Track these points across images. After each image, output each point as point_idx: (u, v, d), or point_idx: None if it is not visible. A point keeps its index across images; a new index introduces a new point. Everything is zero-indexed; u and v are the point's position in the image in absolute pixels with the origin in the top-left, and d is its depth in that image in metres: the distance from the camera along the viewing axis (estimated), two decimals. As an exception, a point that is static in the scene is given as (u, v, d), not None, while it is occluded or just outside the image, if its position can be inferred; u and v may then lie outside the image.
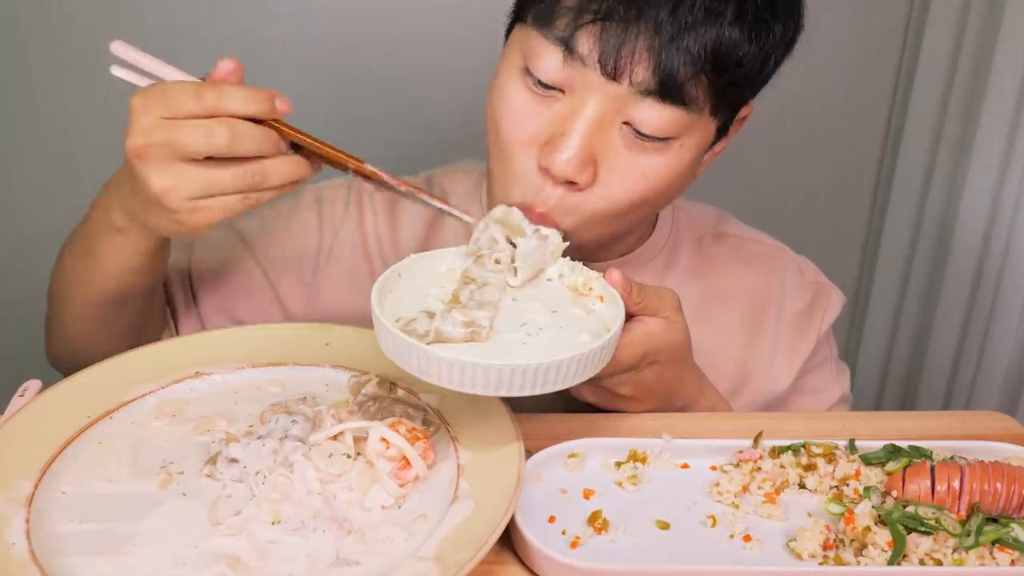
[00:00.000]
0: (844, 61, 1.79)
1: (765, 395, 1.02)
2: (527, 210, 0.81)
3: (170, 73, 0.77)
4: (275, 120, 0.75)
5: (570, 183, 0.80)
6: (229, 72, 0.75)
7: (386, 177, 0.78)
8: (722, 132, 0.87)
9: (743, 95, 0.85)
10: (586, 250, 0.87)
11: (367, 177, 0.79)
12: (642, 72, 0.77)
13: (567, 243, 0.81)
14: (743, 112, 0.88)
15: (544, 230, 0.80)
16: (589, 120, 0.79)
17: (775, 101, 1.99)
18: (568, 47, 0.77)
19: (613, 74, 0.77)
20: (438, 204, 0.80)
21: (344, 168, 0.79)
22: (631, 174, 0.81)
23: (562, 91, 0.80)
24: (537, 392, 0.68)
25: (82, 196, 1.95)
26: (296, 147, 0.77)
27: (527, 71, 0.80)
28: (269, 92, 0.74)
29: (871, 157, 1.90)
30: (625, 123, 0.79)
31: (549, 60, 0.79)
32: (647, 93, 0.77)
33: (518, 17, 0.84)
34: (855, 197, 1.94)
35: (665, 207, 0.87)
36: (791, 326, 1.03)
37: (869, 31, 1.78)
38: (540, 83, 0.80)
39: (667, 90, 0.77)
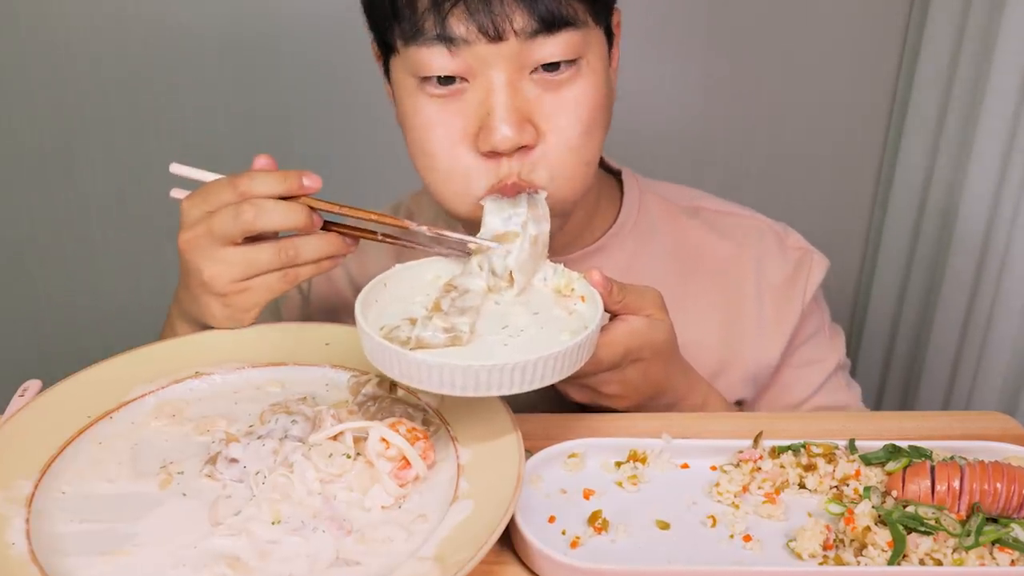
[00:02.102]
0: (844, 61, 1.79)
1: (755, 367, 1.02)
2: (500, 190, 0.83)
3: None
4: (306, 197, 0.82)
5: (520, 148, 0.82)
6: (263, 166, 0.84)
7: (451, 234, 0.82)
8: (609, 41, 0.89)
9: None
10: (570, 225, 0.91)
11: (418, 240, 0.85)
12: (521, 19, 0.79)
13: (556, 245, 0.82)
14: (616, 18, 0.91)
15: (532, 228, 0.80)
16: (503, 88, 0.81)
17: (775, 101, 2.00)
18: (447, 38, 0.80)
19: (497, 36, 0.79)
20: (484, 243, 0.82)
21: (375, 236, 0.86)
22: (565, 108, 0.83)
23: (464, 79, 0.82)
24: (516, 391, 0.68)
25: (82, 196, 1.97)
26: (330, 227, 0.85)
27: (423, 82, 0.83)
28: (298, 172, 0.81)
29: (871, 157, 1.90)
30: (533, 71, 0.82)
31: (438, 60, 0.81)
32: (535, 33, 0.80)
33: (389, 52, 0.87)
34: (855, 197, 1.94)
35: (607, 131, 0.92)
36: (774, 296, 1.03)
37: (869, 31, 1.78)
38: (440, 81, 0.82)
39: (549, 21, 0.80)
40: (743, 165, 1.86)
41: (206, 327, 0.88)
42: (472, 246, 0.81)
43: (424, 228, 0.82)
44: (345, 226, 0.84)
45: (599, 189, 1.01)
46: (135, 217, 1.87)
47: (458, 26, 0.79)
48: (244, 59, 1.76)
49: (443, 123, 0.83)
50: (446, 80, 0.82)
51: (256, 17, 1.73)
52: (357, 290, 0.75)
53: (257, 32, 1.74)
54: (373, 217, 0.82)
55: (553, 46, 0.80)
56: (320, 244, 0.82)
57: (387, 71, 0.90)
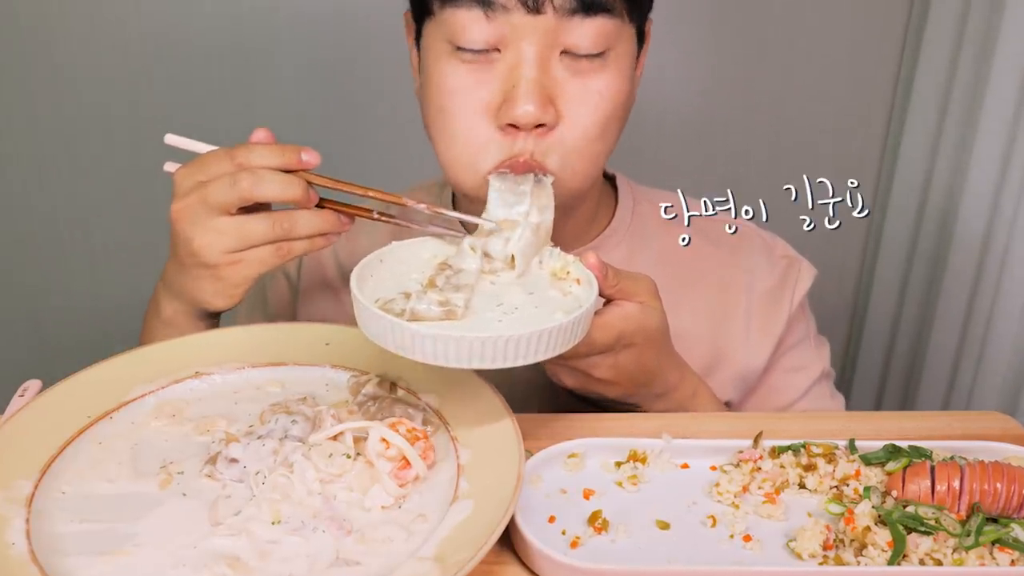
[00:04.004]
0: (844, 61, 1.80)
1: (742, 372, 1.03)
2: (511, 166, 0.83)
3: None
4: (304, 172, 0.81)
5: (538, 127, 0.82)
6: (260, 139, 0.84)
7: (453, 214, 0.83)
8: (640, 42, 0.90)
9: None
10: (572, 223, 0.91)
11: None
12: None
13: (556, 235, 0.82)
14: (648, 25, 0.92)
15: (535, 216, 0.80)
16: (533, 63, 0.81)
17: (775, 101, 1.99)
18: (485, 2, 0.80)
19: (536, 8, 0.80)
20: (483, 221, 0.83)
21: (370, 215, 0.85)
22: (588, 98, 0.84)
23: (497, 50, 0.82)
24: (508, 364, 0.68)
25: (82, 196, 1.96)
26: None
27: (456, 49, 0.83)
28: (296, 147, 0.81)
29: (871, 157, 1.90)
30: (563, 52, 0.82)
31: (474, 25, 0.81)
32: (572, 12, 0.80)
33: (424, 14, 0.87)
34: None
35: (622, 133, 0.93)
36: (762, 303, 1.04)
37: (869, 31, 1.78)
38: (474, 52, 0.82)
39: (588, 3, 0.80)
40: (743, 165, 1.86)
41: (193, 304, 0.87)
42: (469, 226, 0.81)
43: (423, 206, 0.82)
44: (340, 204, 0.84)
45: (598, 192, 1.01)
46: (135, 217, 1.87)
47: None
48: (244, 59, 1.76)
49: (468, 90, 0.83)
50: (482, 48, 0.82)
51: (256, 17, 1.73)
52: (345, 274, 0.75)
53: (257, 32, 1.74)
54: (370, 193, 0.82)
55: (588, 31, 0.81)
56: (315, 219, 0.82)
57: (418, 38, 0.90)
